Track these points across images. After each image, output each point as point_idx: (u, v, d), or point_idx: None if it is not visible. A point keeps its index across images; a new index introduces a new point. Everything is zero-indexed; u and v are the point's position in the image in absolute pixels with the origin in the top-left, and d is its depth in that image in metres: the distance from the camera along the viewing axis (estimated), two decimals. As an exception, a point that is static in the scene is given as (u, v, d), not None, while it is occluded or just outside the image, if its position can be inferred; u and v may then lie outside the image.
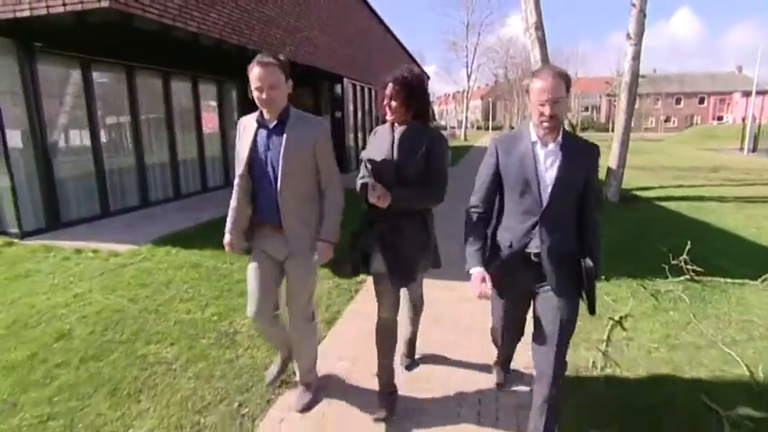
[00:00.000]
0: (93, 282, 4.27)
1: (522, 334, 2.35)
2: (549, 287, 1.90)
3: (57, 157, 6.38)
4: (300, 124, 2.13)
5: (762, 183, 11.31)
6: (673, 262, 4.32)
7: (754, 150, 22.30)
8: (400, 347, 2.63)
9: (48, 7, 4.68)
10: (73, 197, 6.67)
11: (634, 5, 7.86)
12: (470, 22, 41.73)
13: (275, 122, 2.12)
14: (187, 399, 2.52)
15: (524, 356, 2.62)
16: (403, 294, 2.50)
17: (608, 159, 8.28)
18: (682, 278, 4.17)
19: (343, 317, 3.58)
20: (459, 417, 2.37)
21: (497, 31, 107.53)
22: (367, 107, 15.51)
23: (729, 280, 4.15)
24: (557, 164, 1.84)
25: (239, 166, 2.17)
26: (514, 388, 2.59)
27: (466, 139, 36.73)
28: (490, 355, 2.72)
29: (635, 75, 8.12)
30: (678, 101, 61.81)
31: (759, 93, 29.19)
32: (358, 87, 14.35)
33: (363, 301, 3.83)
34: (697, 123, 53.40)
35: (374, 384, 2.47)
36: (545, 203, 1.85)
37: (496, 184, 2.00)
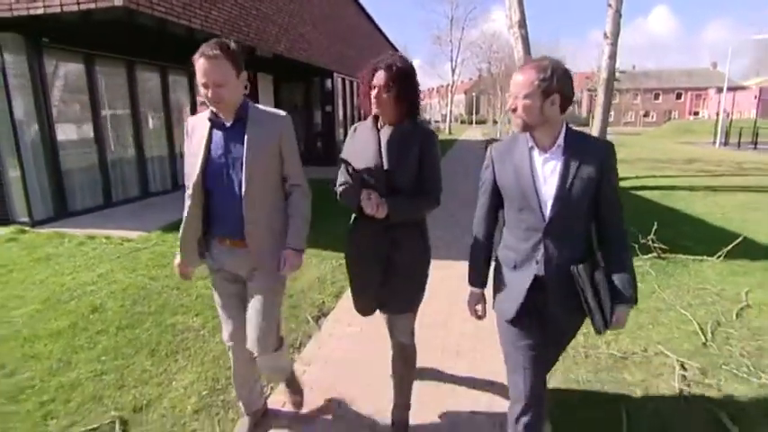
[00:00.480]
0: (113, 263, 4.59)
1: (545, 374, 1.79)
2: (557, 311, 1.67)
3: (63, 149, 6.61)
4: (261, 120, 1.84)
5: (729, 174, 12.03)
6: (641, 241, 4.81)
7: (725, 144, 23.37)
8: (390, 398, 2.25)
9: (62, 5, 4.93)
10: (78, 187, 6.92)
11: (610, 6, 8.32)
12: (454, 17, 42.41)
13: (232, 121, 1.83)
14: (218, 357, 2.88)
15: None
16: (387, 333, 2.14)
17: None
18: (649, 255, 4.67)
19: (348, 292, 3.95)
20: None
21: (481, 26, 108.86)
22: (356, 102, 15.90)
23: (691, 257, 4.67)
24: (557, 172, 1.57)
25: (191, 175, 1.84)
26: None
27: (450, 133, 37.51)
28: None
29: (611, 72, 8.65)
30: (656, 96, 63.62)
31: (731, 89, 30.35)
32: (347, 82, 14.75)
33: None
34: (675, 118, 54.80)
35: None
36: (547, 219, 1.58)
37: (496, 198, 1.76)
